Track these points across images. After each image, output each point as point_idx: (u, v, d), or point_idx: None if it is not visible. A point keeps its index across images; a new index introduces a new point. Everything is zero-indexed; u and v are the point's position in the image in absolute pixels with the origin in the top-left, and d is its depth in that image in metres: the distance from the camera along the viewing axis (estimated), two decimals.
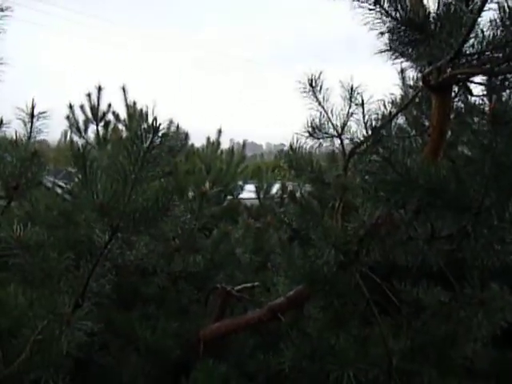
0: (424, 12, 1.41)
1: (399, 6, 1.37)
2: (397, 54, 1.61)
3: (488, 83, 2.00)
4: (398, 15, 1.39)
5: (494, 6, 1.63)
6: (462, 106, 1.91)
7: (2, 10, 2.89)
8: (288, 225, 2.37)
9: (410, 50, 1.56)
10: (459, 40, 1.48)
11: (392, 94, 2.52)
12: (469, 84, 2.04)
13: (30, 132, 2.82)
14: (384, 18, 1.42)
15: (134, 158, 1.65)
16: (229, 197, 5.30)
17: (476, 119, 1.47)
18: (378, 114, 2.41)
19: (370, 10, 1.40)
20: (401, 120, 2.80)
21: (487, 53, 1.68)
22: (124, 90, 6.04)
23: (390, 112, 2.52)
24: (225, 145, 6.35)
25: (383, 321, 2.02)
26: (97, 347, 2.24)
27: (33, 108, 2.76)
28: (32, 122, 2.78)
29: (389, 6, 1.39)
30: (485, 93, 2.00)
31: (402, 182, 1.36)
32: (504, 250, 1.33)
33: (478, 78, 1.99)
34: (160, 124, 1.74)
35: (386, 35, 1.51)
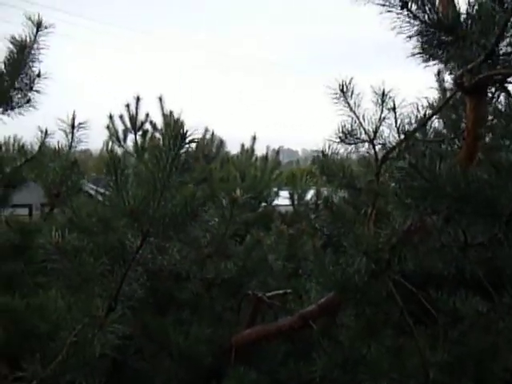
0: (454, 13, 1.37)
1: (427, 8, 1.34)
2: (428, 57, 1.57)
3: None
4: (426, 18, 1.36)
5: None
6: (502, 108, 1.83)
7: (46, 27, 3.05)
8: (320, 231, 2.34)
9: (440, 53, 1.51)
10: (492, 40, 1.43)
11: (425, 97, 2.46)
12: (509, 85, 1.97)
13: (71, 142, 2.95)
14: (412, 21, 1.39)
15: (162, 165, 1.69)
16: (263, 203, 5.31)
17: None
18: (410, 118, 2.36)
19: (398, 13, 1.37)
20: (439, 124, 2.74)
21: None
22: (161, 99, 6.21)
23: (425, 115, 2.46)
24: (261, 152, 6.38)
25: (419, 331, 1.96)
26: (132, 351, 2.30)
27: (73, 119, 2.90)
28: (73, 133, 2.91)
29: (416, 9, 1.36)
30: None
31: (430, 189, 1.32)
32: None
33: None
34: (187, 131, 1.78)
35: (415, 38, 1.47)
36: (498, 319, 1.76)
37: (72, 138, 2.89)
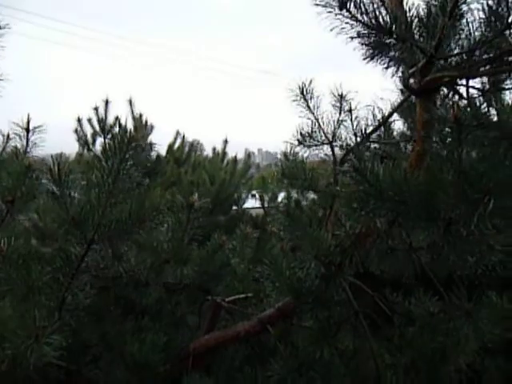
0: (392, 15, 1.37)
1: (365, 9, 1.33)
2: (370, 58, 1.57)
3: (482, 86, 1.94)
4: (364, 19, 1.36)
5: (479, 6, 1.59)
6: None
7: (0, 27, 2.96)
8: (277, 235, 2.33)
9: (382, 55, 1.52)
10: (433, 43, 1.44)
11: (382, 98, 2.47)
12: (464, 87, 1.99)
13: (26, 146, 2.86)
14: (351, 22, 1.38)
15: (107, 170, 1.65)
16: (234, 207, 5.29)
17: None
18: (367, 119, 2.37)
19: (337, 14, 1.36)
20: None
21: (476, 53, 1.63)
22: (131, 102, 6.12)
23: (382, 117, 2.48)
24: (240, 155, 6.34)
25: (374, 334, 1.96)
26: (87, 360, 2.24)
27: (28, 123, 2.81)
28: (28, 137, 2.83)
29: (357, 11, 1.35)
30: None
31: (372, 193, 1.32)
32: (477, 262, 1.27)
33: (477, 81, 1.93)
34: (133, 137, 1.74)
35: (357, 40, 1.47)
36: (448, 320, 1.77)
37: (27, 142, 2.80)
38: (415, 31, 1.45)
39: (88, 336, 2.35)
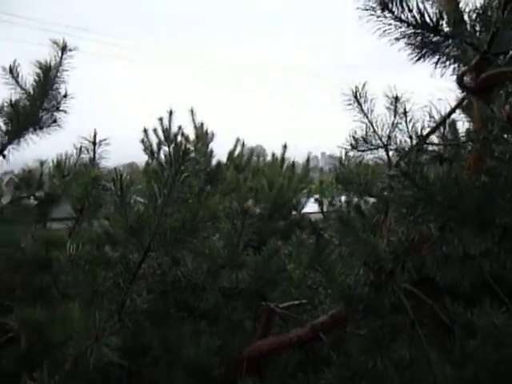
0: (439, 11, 1.32)
1: (408, 8, 1.29)
2: (418, 58, 1.51)
3: None
4: (408, 18, 1.32)
5: None
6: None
7: (70, 50, 3.21)
8: (331, 241, 2.30)
9: (430, 54, 1.46)
10: (487, 39, 1.37)
11: (440, 99, 2.37)
12: None
13: (93, 158, 3.08)
14: (395, 22, 1.35)
15: (163, 182, 1.73)
16: (293, 212, 5.28)
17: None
18: (423, 121, 2.28)
19: (379, 16, 1.34)
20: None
21: None
22: (192, 112, 6.34)
23: (442, 118, 2.37)
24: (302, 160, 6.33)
25: (432, 345, 1.88)
26: (148, 361, 2.35)
27: (95, 136, 3.03)
28: (94, 150, 3.05)
29: (400, 11, 1.32)
30: None
31: (421, 198, 1.27)
32: None
33: None
34: (189, 148, 1.81)
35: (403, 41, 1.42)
36: None
37: (94, 154, 3.01)
38: (465, 27, 1.39)
39: (149, 338, 2.47)
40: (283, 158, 6.12)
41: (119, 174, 1.91)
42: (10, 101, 2.89)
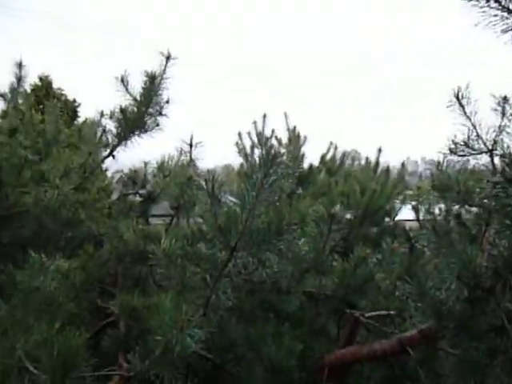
0: None
1: None
2: None
3: None
4: None
5: None
6: None
7: (173, 58, 3.44)
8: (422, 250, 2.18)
9: None
10: None
11: None
12: None
13: (190, 160, 3.27)
14: (502, 13, 1.23)
15: (251, 185, 1.78)
16: (386, 219, 5.08)
17: None
18: None
19: (483, 7, 1.23)
20: None
21: None
22: (285, 115, 6.41)
23: None
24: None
25: None
26: (231, 356, 2.43)
27: (191, 139, 3.22)
28: (191, 152, 3.23)
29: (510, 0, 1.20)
30: None
31: None
32: None
33: None
34: (278, 152, 1.83)
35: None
36: None
37: (190, 156, 3.19)
38: None
39: (233, 335, 2.55)
40: (377, 162, 5.92)
41: (211, 175, 2.00)
42: (120, 107, 3.18)
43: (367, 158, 6.08)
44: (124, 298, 2.50)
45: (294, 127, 6.29)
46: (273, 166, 1.84)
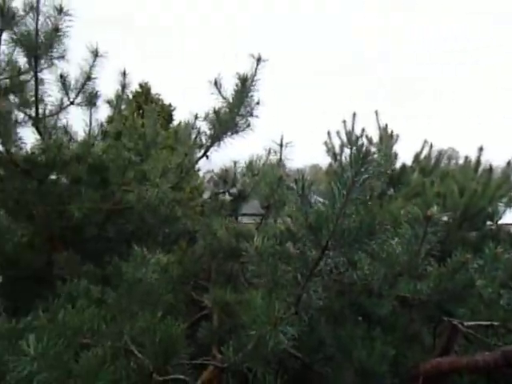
0: None
1: None
2: None
3: None
4: None
5: None
6: None
7: (263, 61, 3.51)
8: None
9: None
10: None
11: None
12: None
13: (280, 159, 3.31)
14: None
15: (342, 183, 1.77)
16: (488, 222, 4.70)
17: None
18: None
19: None
20: None
21: None
22: (376, 113, 6.22)
23: None
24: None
25: None
26: (320, 356, 2.42)
27: (281, 139, 3.26)
28: (281, 151, 3.27)
29: None
30: None
31: None
32: None
33: None
34: (370, 150, 1.80)
35: None
36: None
37: (280, 156, 3.24)
38: None
39: (322, 335, 2.54)
40: (478, 162, 5.49)
41: (301, 175, 2.02)
42: (214, 109, 3.32)
43: (466, 157, 5.68)
44: (217, 293, 2.61)
45: (386, 125, 6.08)
46: (364, 164, 1.81)
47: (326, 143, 6.60)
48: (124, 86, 4.99)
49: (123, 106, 5.11)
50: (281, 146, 3.23)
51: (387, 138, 6.01)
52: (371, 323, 2.63)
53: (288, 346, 1.63)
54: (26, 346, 1.51)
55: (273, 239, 2.43)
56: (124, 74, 5.00)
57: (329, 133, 6.57)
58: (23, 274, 3.90)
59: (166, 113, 16.50)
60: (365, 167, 1.81)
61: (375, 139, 6.31)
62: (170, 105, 18.41)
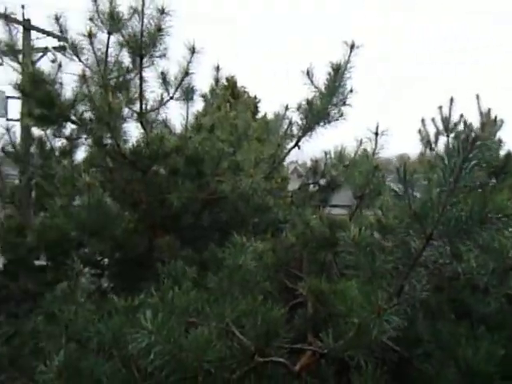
0: None
1: None
2: None
3: None
4: None
5: None
6: None
7: (357, 47, 3.43)
8: None
9: None
10: None
11: None
12: None
13: (375, 148, 3.23)
14: None
15: (449, 171, 1.68)
16: None
17: None
18: None
19: None
20: None
21: None
22: (478, 98, 5.77)
23: None
24: None
25: None
26: (419, 352, 2.34)
27: (377, 127, 3.17)
28: (376, 140, 3.19)
29: None
30: None
31: None
32: None
33: None
34: (477, 136, 1.70)
35: None
36: None
37: (376, 144, 3.15)
38: None
39: (421, 330, 2.45)
40: None
41: (403, 163, 1.96)
42: (307, 99, 3.33)
43: None
44: (313, 282, 2.64)
45: (489, 110, 5.62)
46: (473, 150, 1.71)
47: (419, 131, 6.28)
48: (217, 80, 5.18)
49: (216, 100, 5.30)
50: (376, 134, 3.15)
51: (490, 124, 5.56)
52: (474, 321, 2.49)
53: (390, 336, 1.60)
54: (144, 321, 1.65)
55: (369, 229, 2.39)
56: (217, 68, 5.18)
57: (423, 120, 6.24)
58: (128, 257, 4.26)
59: (252, 105, 16.80)
60: (474, 153, 1.71)
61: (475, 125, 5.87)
62: (255, 97, 18.74)
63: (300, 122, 3.56)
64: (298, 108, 3.47)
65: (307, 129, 3.51)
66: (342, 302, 2.35)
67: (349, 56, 3.36)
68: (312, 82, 3.48)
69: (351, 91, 3.43)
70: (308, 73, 3.42)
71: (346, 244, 2.23)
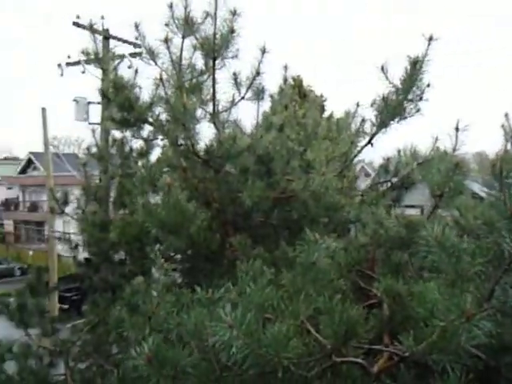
0: None
1: None
2: None
3: None
4: None
5: None
6: None
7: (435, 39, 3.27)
8: None
9: None
10: None
11: None
12: None
13: (455, 144, 3.06)
14: None
15: None
16: None
17: None
18: None
19: None
20: None
21: None
22: None
23: None
24: None
25: None
26: (508, 360, 2.19)
27: (457, 122, 3.00)
28: (457, 136, 3.02)
29: None
30: None
31: None
32: None
33: None
34: None
35: None
36: None
37: (456, 140, 2.99)
38: None
39: (509, 338, 2.28)
40: None
41: (499, 159, 1.85)
42: (383, 95, 3.23)
43: None
44: (388, 283, 2.55)
45: None
46: None
47: (502, 126, 5.83)
48: (285, 79, 5.19)
49: (283, 99, 5.31)
50: (457, 130, 2.97)
51: None
52: None
53: (479, 343, 1.51)
54: (223, 315, 1.69)
55: (451, 229, 2.27)
56: (285, 67, 5.19)
57: (506, 115, 5.79)
58: (200, 254, 4.38)
59: (318, 104, 16.61)
60: None
61: None
62: (321, 95, 18.50)
63: (374, 119, 3.46)
64: (372, 104, 3.38)
65: (381, 125, 3.40)
66: (421, 305, 2.25)
67: (426, 49, 3.21)
68: (387, 77, 3.37)
69: (428, 86, 3.28)
70: (382, 68, 3.32)
71: (428, 244, 2.14)
